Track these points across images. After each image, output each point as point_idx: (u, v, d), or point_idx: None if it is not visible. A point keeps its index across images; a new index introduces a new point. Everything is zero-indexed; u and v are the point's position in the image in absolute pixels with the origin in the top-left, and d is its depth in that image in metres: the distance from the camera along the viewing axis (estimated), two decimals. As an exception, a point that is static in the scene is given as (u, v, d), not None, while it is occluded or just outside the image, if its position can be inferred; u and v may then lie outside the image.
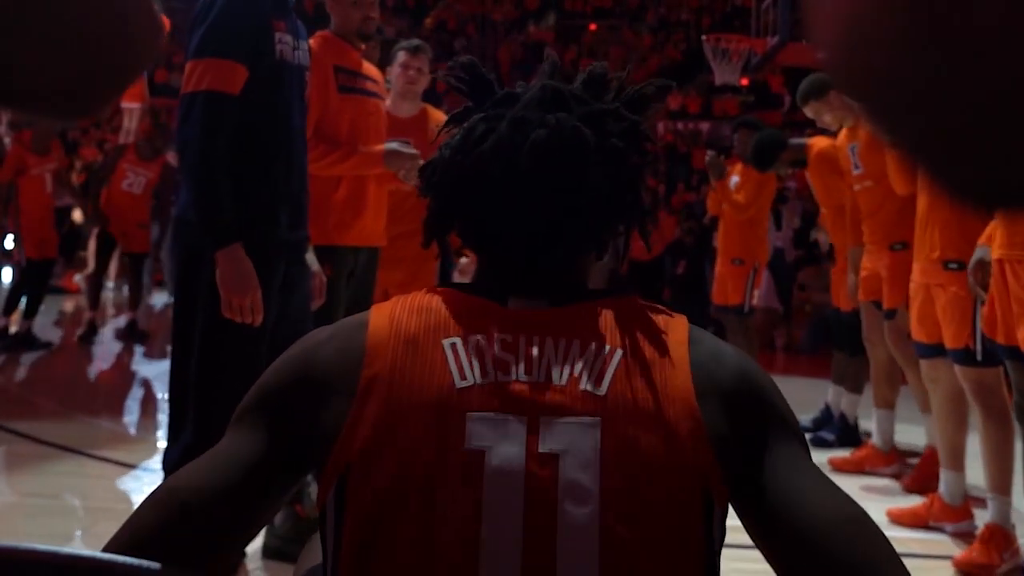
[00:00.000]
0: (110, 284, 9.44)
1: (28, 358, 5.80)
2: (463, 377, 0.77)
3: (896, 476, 3.70)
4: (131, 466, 3.42)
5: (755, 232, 5.02)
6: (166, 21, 6.82)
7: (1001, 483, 2.72)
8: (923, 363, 3.13)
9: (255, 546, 2.51)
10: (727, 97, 14.51)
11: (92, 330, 6.46)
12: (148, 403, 4.77)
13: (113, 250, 6.81)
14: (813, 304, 8.15)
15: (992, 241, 2.53)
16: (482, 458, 0.74)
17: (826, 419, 4.48)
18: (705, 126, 14.68)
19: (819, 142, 4.21)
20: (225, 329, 2.09)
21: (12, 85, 0.40)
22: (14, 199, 6.11)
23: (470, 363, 0.78)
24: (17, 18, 0.38)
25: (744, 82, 13.62)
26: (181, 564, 0.76)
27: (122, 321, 7.06)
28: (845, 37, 0.33)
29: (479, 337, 0.80)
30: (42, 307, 6.28)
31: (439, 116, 3.50)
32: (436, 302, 0.83)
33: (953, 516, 2.99)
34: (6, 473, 3.27)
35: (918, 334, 3.08)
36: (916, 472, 3.58)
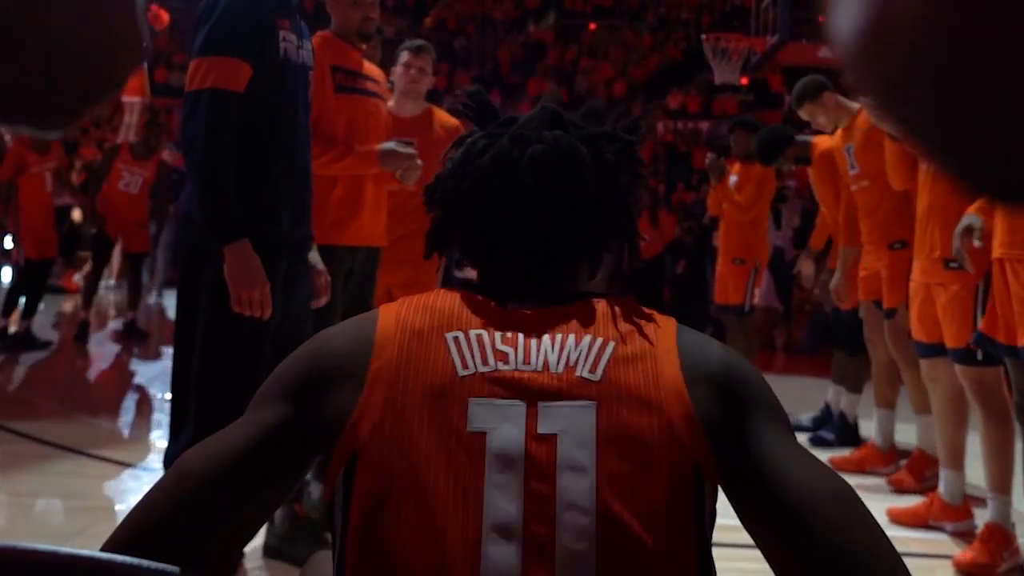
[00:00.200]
0: (111, 283, 9.45)
1: (27, 358, 5.79)
2: (465, 366, 0.82)
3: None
4: (131, 466, 3.42)
5: (755, 231, 5.02)
6: (165, 17, 6.81)
7: (1001, 483, 2.72)
8: (923, 363, 3.13)
9: (255, 545, 2.51)
10: (727, 96, 14.50)
11: (85, 330, 6.45)
12: (148, 403, 4.77)
13: (110, 251, 6.80)
14: (813, 303, 8.14)
15: (988, 221, 2.52)
16: (483, 439, 0.79)
17: (826, 418, 4.48)
18: (705, 125, 14.67)
19: (823, 141, 4.20)
20: (228, 327, 2.10)
21: None
22: (14, 198, 6.10)
23: (471, 354, 0.83)
24: None
25: (744, 81, 13.63)
26: (189, 541, 0.80)
27: (121, 321, 7.06)
28: (862, 34, 0.33)
29: (480, 332, 0.85)
30: (41, 307, 6.28)
31: (444, 117, 3.50)
32: (440, 302, 0.88)
33: (953, 515, 2.99)
34: (6, 473, 3.27)
35: (918, 333, 3.08)
36: (902, 472, 3.58)
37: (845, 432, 4.28)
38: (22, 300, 6.07)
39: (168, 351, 6.06)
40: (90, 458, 3.46)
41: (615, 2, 17.00)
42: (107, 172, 6.43)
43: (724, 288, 5.10)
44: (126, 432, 4.17)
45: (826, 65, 10.15)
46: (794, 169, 4.87)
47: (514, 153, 0.92)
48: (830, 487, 0.80)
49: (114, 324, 7.53)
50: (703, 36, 12.14)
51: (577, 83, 15.86)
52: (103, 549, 0.79)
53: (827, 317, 5.08)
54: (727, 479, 0.83)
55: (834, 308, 4.34)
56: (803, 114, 4.00)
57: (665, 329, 0.88)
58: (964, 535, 2.93)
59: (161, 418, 4.18)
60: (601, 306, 0.89)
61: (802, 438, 3.46)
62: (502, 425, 0.79)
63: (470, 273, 3.34)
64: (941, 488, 3.04)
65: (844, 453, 3.95)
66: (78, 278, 8.73)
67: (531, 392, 0.81)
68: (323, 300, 2.47)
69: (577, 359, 0.83)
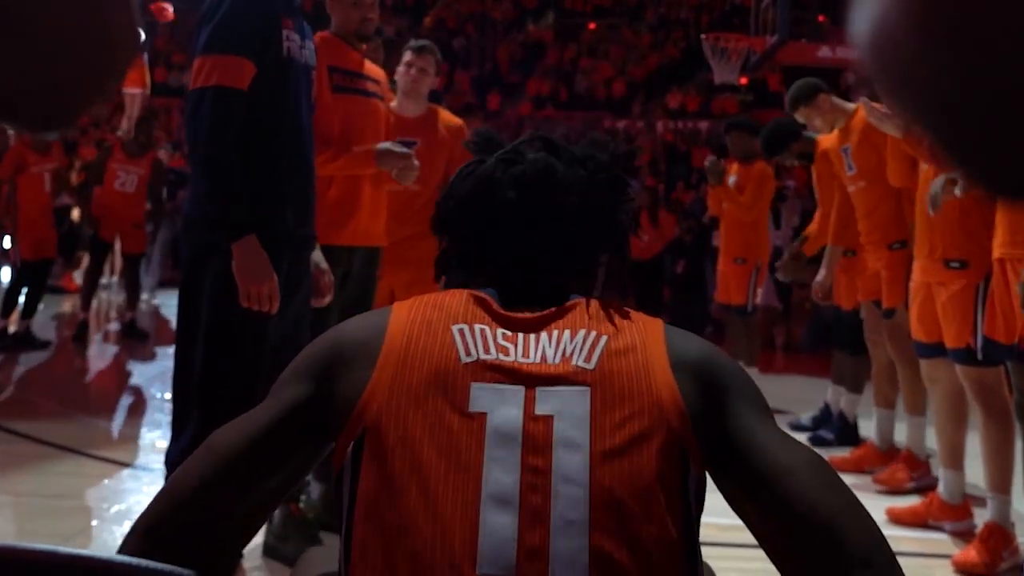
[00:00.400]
0: (113, 279, 9.44)
1: (27, 358, 5.79)
2: (468, 354, 0.89)
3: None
4: (130, 466, 3.42)
5: (756, 231, 5.02)
6: (169, 11, 6.79)
7: (1001, 482, 2.72)
8: (923, 363, 3.13)
9: (254, 544, 2.51)
10: (726, 96, 14.52)
11: (84, 330, 6.45)
12: (148, 403, 4.76)
13: (107, 252, 6.79)
14: (812, 302, 8.13)
15: (995, 235, 2.53)
16: (484, 419, 0.85)
17: (825, 418, 4.48)
18: (704, 125, 14.68)
19: (825, 141, 4.21)
20: (230, 326, 2.10)
21: None
22: (13, 198, 6.10)
23: (475, 344, 0.90)
24: None
25: (743, 81, 13.63)
26: (216, 510, 0.88)
27: (120, 321, 7.06)
28: (875, 34, 0.33)
29: (484, 327, 0.92)
30: (41, 307, 6.28)
31: (449, 117, 3.49)
32: (448, 300, 0.96)
33: (952, 515, 2.99)
34: (5, 473, 3.27)
35: (918, 333, 3.08)
36: (887, 472, 3.58)
37: (844, 432, 4.28)
38: (22, 300, 6.07)
39: (164, 352, 6.07)
40: (89, 458, 3.46)
41: (614, 1, 17.01)
42: (102, 173, 6.42)
43: (726, 287, 5.10)
44: (126, 432, 4.17)
45: (825, 65, 10.16)
46: (794, 169, 4.87)
47: (497, 172, 1.03)
48: (803, 459, 0.86)
49: (114, 324, 7.53)
50: (702, 36, 12.14)
51: (577, 83, 15.87)
52: (140, 519, 0.86)
53: (827, 316, 5.08)
54: (711, 459, 0.89)
55: (835, 308, 4.34)
56: (799, 117, 4.00)
57: (653, 325, 0.95)
58: (963, 535, 2.93)
59: (160, 418, 4.18)
60: (594, 306, 0.96)
61: (802, 438, 3.46)
62: (502, 406, 0.86)
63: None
64: (940, 488, 3.04)
65: (843, 453, 3.95)
66: (77, 276, 8.73)
67: (530, 378, 0.88)
68: (326, 300, 2.47)
69: (573, 351, 0.90)
